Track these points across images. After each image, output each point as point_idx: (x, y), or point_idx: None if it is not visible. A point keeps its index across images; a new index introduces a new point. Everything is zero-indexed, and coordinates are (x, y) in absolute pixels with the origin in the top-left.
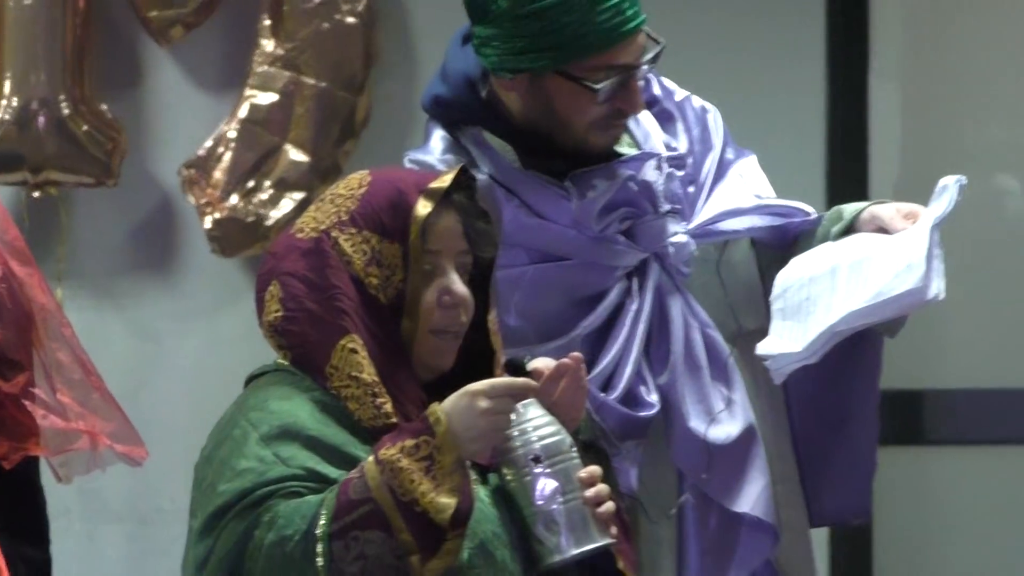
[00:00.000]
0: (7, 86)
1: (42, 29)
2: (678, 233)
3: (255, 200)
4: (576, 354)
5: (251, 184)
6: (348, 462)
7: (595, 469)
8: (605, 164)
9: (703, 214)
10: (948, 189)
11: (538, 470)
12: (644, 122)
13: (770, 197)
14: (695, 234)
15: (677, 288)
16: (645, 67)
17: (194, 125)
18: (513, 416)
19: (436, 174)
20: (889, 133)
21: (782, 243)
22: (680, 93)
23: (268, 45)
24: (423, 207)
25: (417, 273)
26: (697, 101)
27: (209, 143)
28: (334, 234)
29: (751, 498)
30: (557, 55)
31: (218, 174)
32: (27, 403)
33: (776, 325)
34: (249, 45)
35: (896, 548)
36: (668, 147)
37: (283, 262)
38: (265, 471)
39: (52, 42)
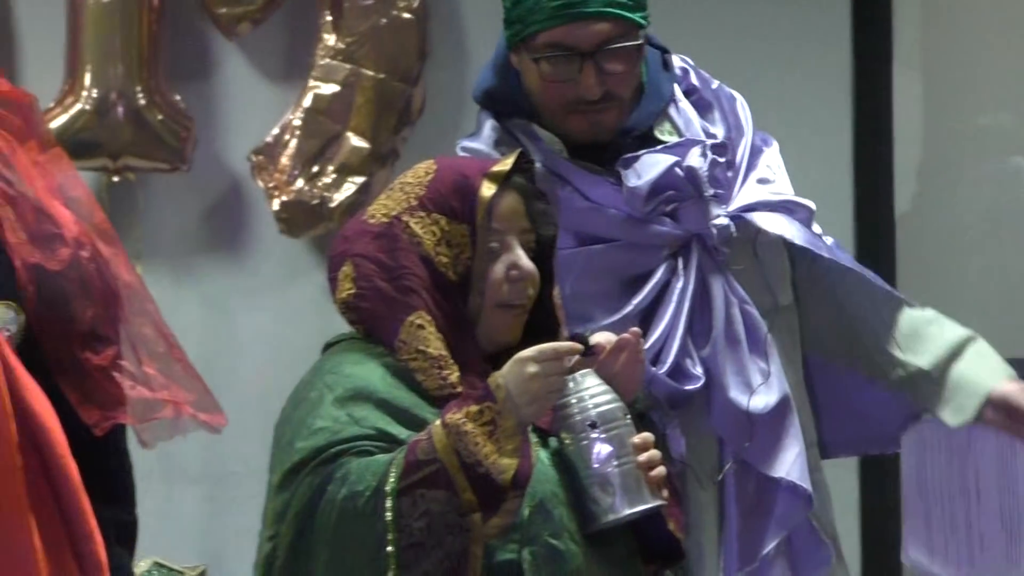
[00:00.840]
0: (87, 78)
1: (119, 25)
2: (719, 216)
3: (319, 184)
4: (635, 329)
5: (315, 169)
6: (416, 424)
7: (648, 435)
8: (650, 150)
9: (740, 199)
10: None
11: (594, 435)
12: (685, 110)
13: (788, 192)
14: (733, 217)
15: (718, 267)
16: (600, 54)
17: (261, 114)
18: (571, 385)
19: (497, 159)
20: (912, 120)
21: (801, 253)
22: (714, 82)
23: (330, 39)
24: (487, 189)
25: (484, 251)
26: (727, 89)
27: (276, 131)
28: (405, 218)
29: (787, 464)
30: (517, 29)
31: (284, 160)
32: (115, 375)
33: (911, 537)
34: (312, 39)
35: None
36: (707, 134)
37: (355, 245)
38: (339, 430)
39: (128, 37)
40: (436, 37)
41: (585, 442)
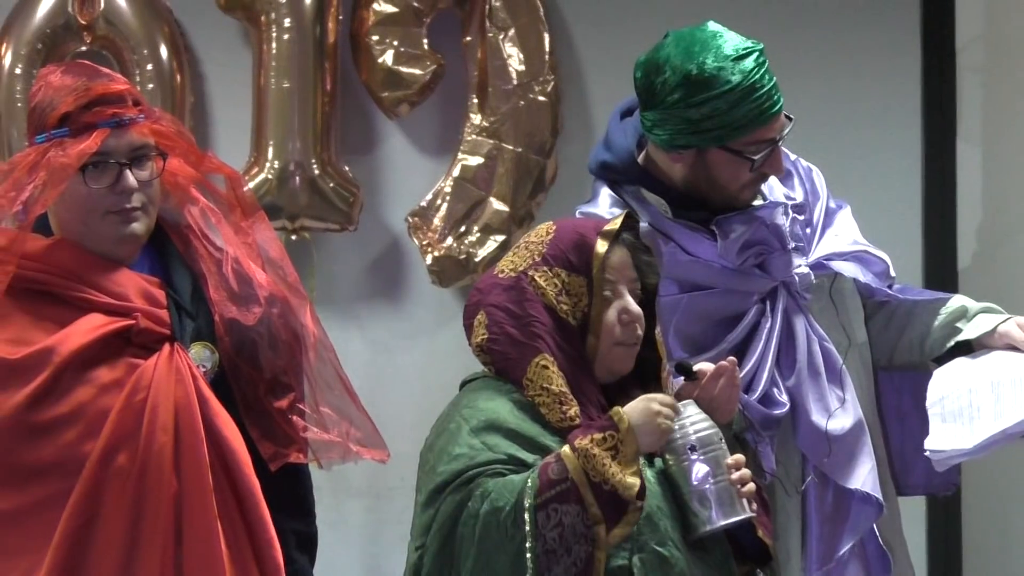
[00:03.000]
0: (270, 152)
1: (297, 106)
2: (801, 265)
3: (466, 241)
4: (732, 358)
5: (463, 229)
6: (541, 449)
7: (740, 457)
8: (742, 211)
9: (818, 251)
10: None
11: (694, 457)
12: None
13: (864, 244)
14: (812, 266)
15: (800, 309)
16: (783, 139)
17: (417, 182)
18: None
19: (607, 220)
20: (973, 188)
21: (870, 293)
22: (792, 156)
23: (476, 118)
24: (601, 246)
25: (599, 298)
26: (804, 162)
27: (429, 196)
28: (531, 273)
29: (861, 477)
30: (721, 135)
31: (437, 221)
32: (293, 417)
33: (937, 426)
34: (461, 119)
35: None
36: (787, 197)
37: (488, 296)
38: (475, 456)
39: (305, 117)
40: (567, 116)
41: (686, 463)
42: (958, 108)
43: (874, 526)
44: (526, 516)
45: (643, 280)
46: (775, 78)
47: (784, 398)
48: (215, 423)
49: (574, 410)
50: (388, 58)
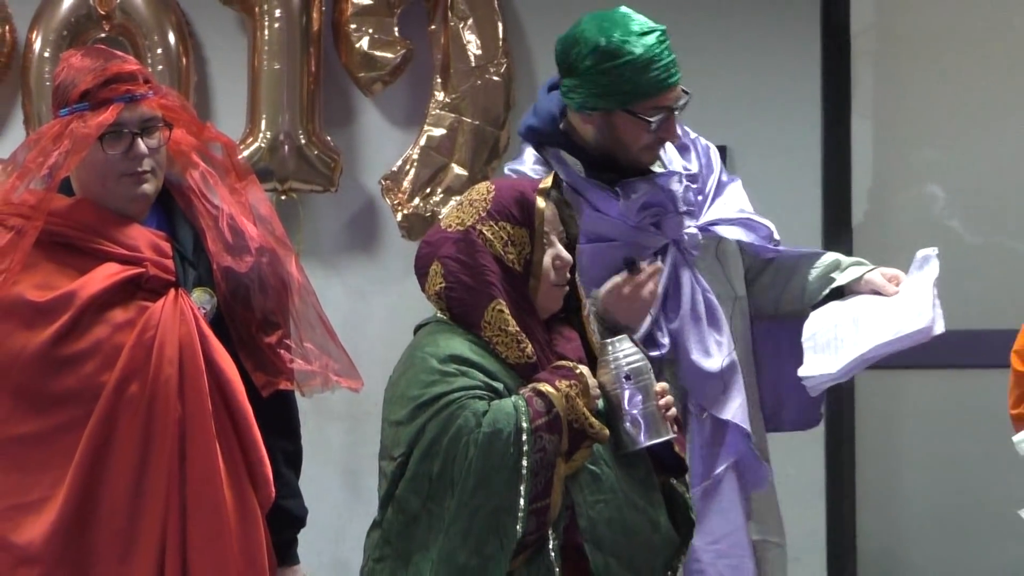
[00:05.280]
0: (263, 124)
1: (286, 85)
2: (691, 227)
3: (431, 201)
4: (659, 264)
5: (428, 191)
6: (500, 382)
7: (665, 385)
8: (644, 176)
9: (707, 216)
10: (931, 259)
11: (627, 385)
12: (669, 151)
13: (750, 212)
14: (701, 229)
15: (687, 264)
16: (679, 109)
17: (389, 150)
18: (610, 348)
19: (539, 180)
20: (865, 155)
21: (756, 252)
22: (692, 134)
23: (439, 96)
24: (541, 202)
25: (540, 247)
26: (703, 140)
27: (399, 163)
28: (478, 227)
29: (732, 409)
30: (624, 99)
31: (406, 183)
32: (281, 351)
33: (810, 357)
34: (426, 95)
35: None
36: (684, 168)
37: (439, 249)
38: (451, 381)
39: (293, 94)
40: (518, 93)
41: (620, 390)
42: (852, 87)
43: (751, 446)
44: (524, 438)
45: (567, 231)
46: (674, 56)
47: (665, 340)
48: (214, 357)
49: (530, 348)
50: (364, 44)
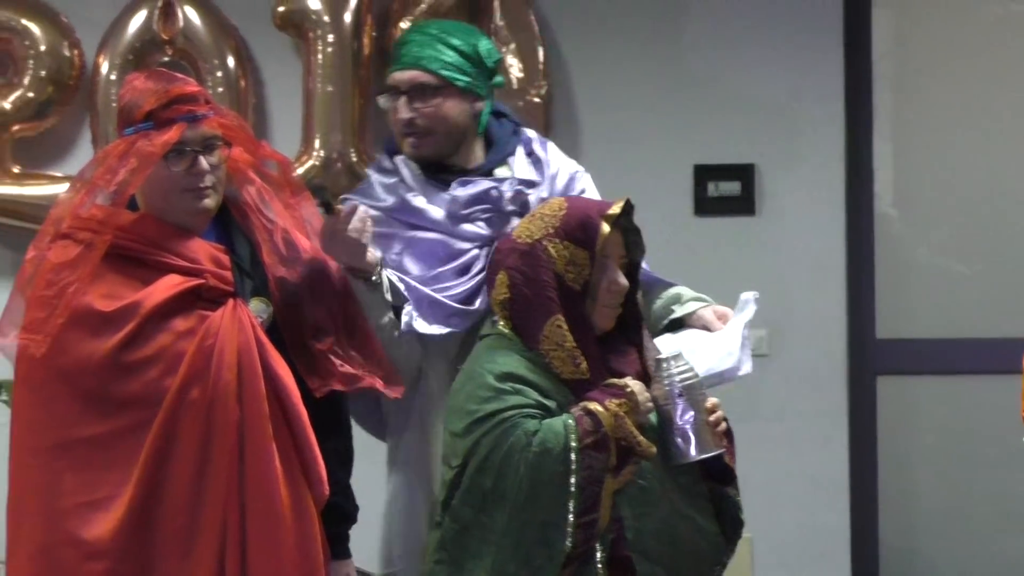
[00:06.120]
0: (317, 143)
1: (339, 106)
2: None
3: None
4: (355, 205)
5: None
6: (552, 399)
7: (716, 401)
8: (474, 177)
9: None
10: (750, 303)
11: (679, 401)
12: (520, 162)
13: None
14: None
15: None
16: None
17: None
18: (664, 364)
19: (610, 203)
20: (886, 174)
21: None
22: (558, 156)
23: None
24: (605, 228)
25: (598, 270)
26: (551, 144)
27: None
28: (544, 242)
29: None
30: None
31: None
32: (331, 356)
33: None
34: None
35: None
36: (524, 174)
37: (507, 258)
38: (506, 399)
39: (345, 114)
40: (557, 115)
41: (673, 405)
42: (874, 108)
43: None
44: (572, 456)
45: (630, 256)
46: (425, 48)
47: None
48: (270, 362)
49: (584, 365)
50: None
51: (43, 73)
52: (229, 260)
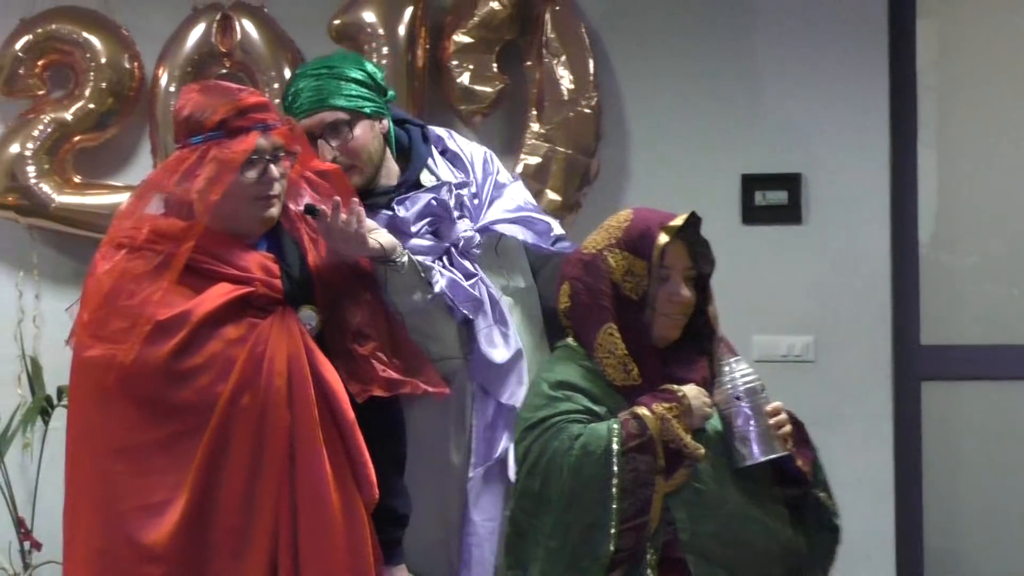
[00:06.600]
0: None
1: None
2: (467, 230)
3: None
4: (353, 204)
5: None
6: (603, 405)
7: (778, 404)
8: (416, 191)
9: (486, 217)
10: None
11: (741, 405)
12: (440, 164)
13: (532, 210)
14: (480, 230)
15: (471, 264)
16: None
17: None
18: (726, 368)
19: (671, 216)
20: (930, 182)
21: (535, 249)
22: (469, 145)
23: (535, 127)
24: (662, 239)
25: (656, 280)
26: (480, 148)
27: None
28: (605, 253)
29: (513, 395)
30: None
31: None
32: (373, 361)
33: None
34: (522, 126)
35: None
36: (455, 177)
37: (572, 269)
38: (556, 405)
39: None
40: (606, 125)
41: (734, 409)
42: (919, 118)
43: None
44: (614, 459)
45: (698, 267)
46: (323, 88)
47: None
48: (319, 369)
49: (636, 371)
50: (465, 79)
51: (103, 85)
52: (278, 268)
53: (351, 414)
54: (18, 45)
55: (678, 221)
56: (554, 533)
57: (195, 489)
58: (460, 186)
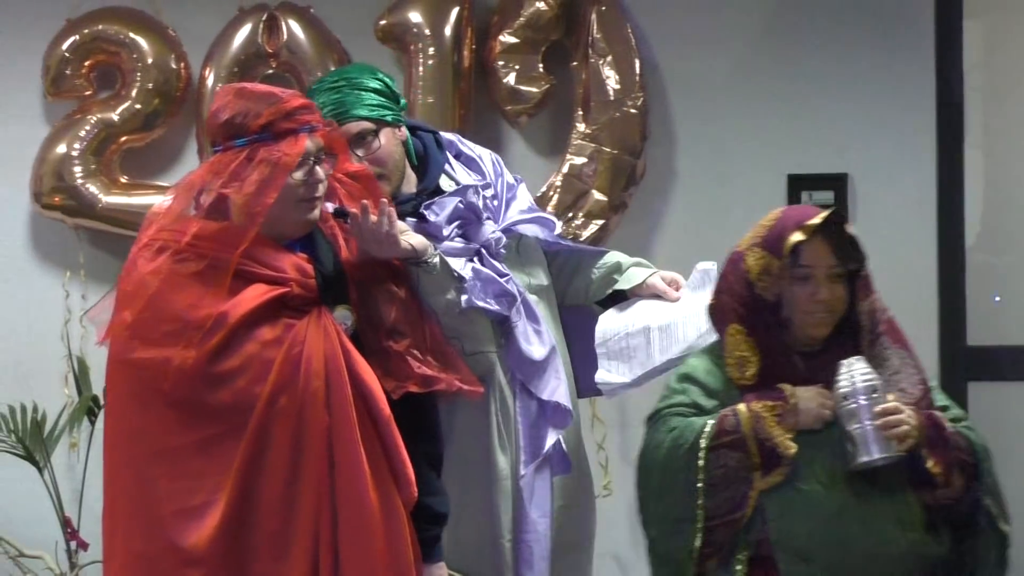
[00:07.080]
0: None
1: (440, 117)
2: (495, 231)
3: (573, 224)
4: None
5: (570, 215)
6: (719, 399)
7: (894, 404)
8: (441, 196)
9: (507, 218)
10: (712, 272)
11: (853, 404)
12: (457, 168)
13: (537, 209)
14: (504, 230)
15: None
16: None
17: (534, 178)
18: (843, 368)
19: (815, 212)
20: (977, 183)
21: (547, 246)
22: (477, 149)
23: (581, 127)
24: (795, 237)
25: (793, 279)
26: (488, 152)
27: (544, 188)
28: (745, 252)
29: (555, 391)
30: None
31: (550, 208)
32: (408, 358)
33: (604, 363)
34: (569, 127)
35: None
36: (478, 180)
37: (725, 265)
38: (669, 397)
39: (445, 125)
40: (652, 125)
41: (849, 407)
42: (965, 119)
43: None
44: (700, 455)
45: (844, 265)
46: (345, 99)
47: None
48: (356, 368)
49: (751, 371)
50: (511, 79)
51: (150, 86)
52: (313, 269)
53: (389, 414)
54: (64, 46)
55: (816, 219)
56: (651, 522)
57: (235, 492)
58: (484, 187)
